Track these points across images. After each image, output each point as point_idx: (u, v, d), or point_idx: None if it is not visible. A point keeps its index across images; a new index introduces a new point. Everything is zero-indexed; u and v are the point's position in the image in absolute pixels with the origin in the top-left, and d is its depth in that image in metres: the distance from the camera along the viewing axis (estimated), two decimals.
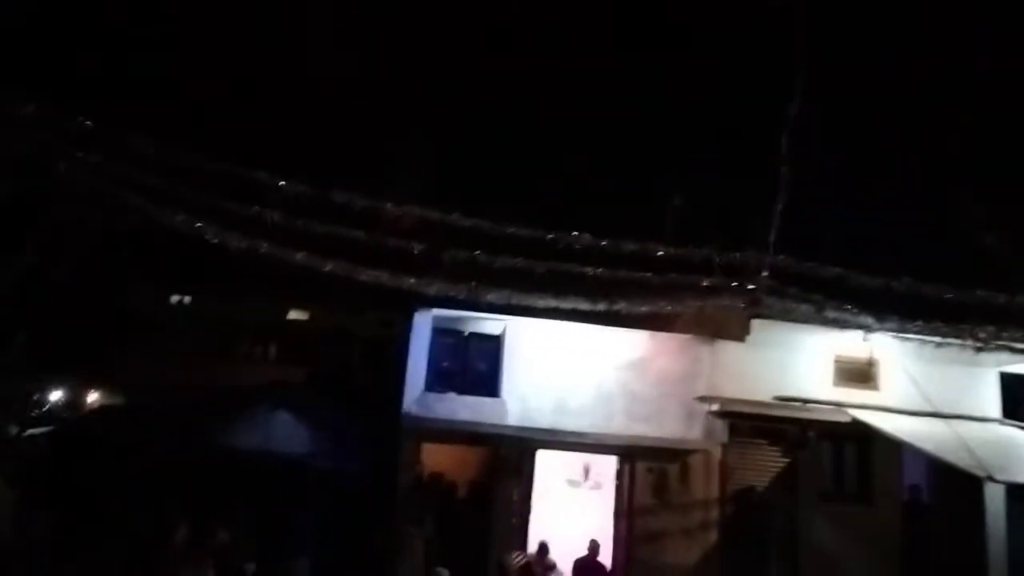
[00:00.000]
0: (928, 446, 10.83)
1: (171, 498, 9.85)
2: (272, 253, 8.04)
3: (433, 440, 11.51)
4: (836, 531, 11.70)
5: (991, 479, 10.16)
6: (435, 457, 11.99)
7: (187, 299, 15.02)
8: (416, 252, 7.40)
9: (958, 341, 8.96)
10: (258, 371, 12.39)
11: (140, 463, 10.12)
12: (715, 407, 11.78)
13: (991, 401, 12.44)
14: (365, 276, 8.22)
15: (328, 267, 8.03)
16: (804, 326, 10.54)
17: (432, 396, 11.41)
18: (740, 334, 11.31)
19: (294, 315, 13.70)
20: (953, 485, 12.00)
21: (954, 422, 11.03)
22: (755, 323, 11.06)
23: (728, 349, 11.82)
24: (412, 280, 7.96)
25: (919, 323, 8.71)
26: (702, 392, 11.86)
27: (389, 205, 7.70)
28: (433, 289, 8.09)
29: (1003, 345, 8.61)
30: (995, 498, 12.01)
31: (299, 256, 8.01)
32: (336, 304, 11.90)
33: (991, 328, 8.47)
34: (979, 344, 8.78)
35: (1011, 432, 12.10)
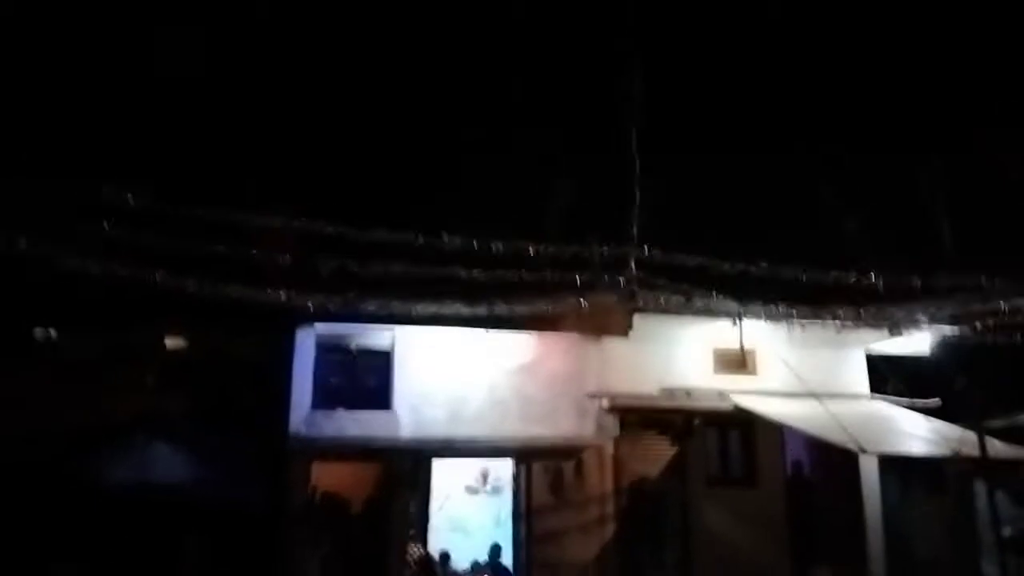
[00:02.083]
0: (804, 425, 11.37)
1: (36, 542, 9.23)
2: (129, 275, 7.67)
3: (324, 459, 11.21)
4: (725, 514, 12.11)
5: (863, 451, 10.75)
6: (327, 476, 11.68)
7: (52, 331, 14.04)
8: (287, 265, 7.18)
9: (819, 322, 9.44)
10: (134, 402, 11.71)
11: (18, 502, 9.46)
12: (605, 403, 12.00)
13: (859, 379, 13.20)
14: (235, 293, 7.93)
15: (192, 286, 7.70)
16: (682, 318, 10.90)
17: (320, 414, 11.12)
18: (623, 330, 11.57)
19: (170, 342, 13.04)
20: (831, 461, 12.66)
21: (827, 401, 11.60)
22: (637, 318, 11.33)
23: (614, 345, 12.07)
24: (286, 295, 7.74)
25: (782, 307, 9.14)
26: (592, 389, 12.06)
27: (254, 217, 7.45)
28: (309, 303, 7.89)
29: (862, 324, 9.12)
30: (869, 469, 12.76)
31: (159, 276, 7.65)
32: (212, 327, 11.42)
33: (850, 308, 8.97)
34: (840, 324, 9.28)
35: (879, 407, 12.88)
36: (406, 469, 11.35)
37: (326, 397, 11.29)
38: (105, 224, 6.89)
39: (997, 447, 11.08)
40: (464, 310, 8.51)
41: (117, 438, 10.54)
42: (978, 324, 9.88)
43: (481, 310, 8.54)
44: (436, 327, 10.71)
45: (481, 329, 10.87)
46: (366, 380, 11.51)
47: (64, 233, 7.40)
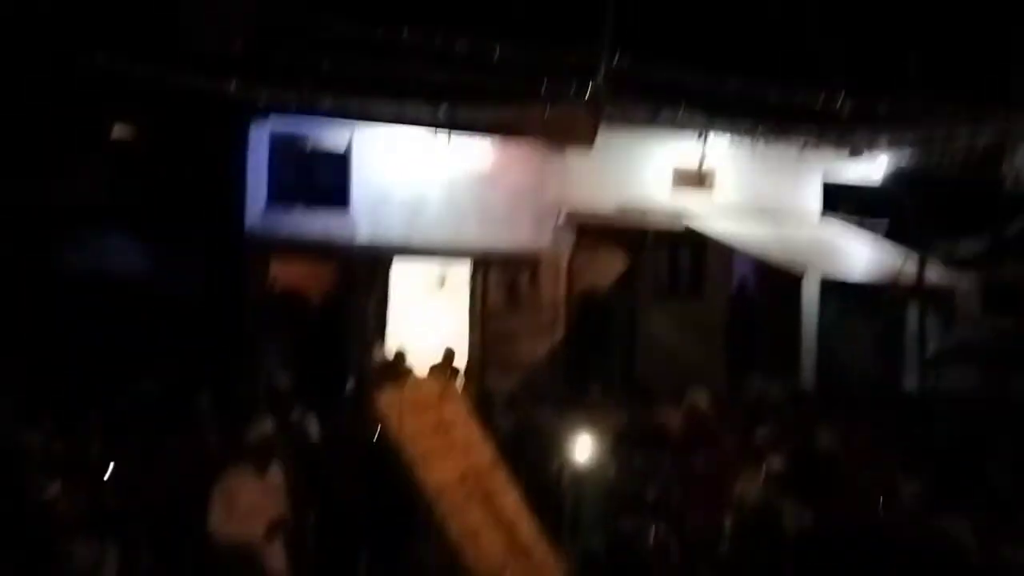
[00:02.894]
0: (754, 245, 11.67)
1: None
2: (75, 58, 7.27)
3: (280, 256, 11.26)
4: (671, 325, 12.64)
5: (805, 273, 11.14)
6: (285, 274, 11.79)
7: None
8: (240, 54, 6.82)
9: (783, 141, 9.41)
10: (87, 191, 11.43)
11: None
12: (563, 215, 12.10)
13: (813, 202, 13.43)
14: (187, 81, 7.58)
15: (143, 71, 7.32)
16: (646, 133, 10.77)
17: (277, 211, 11.04)
18: (586, 142, 11.44)
19: (121, 131, 12.54)
20: (776, 281, 13.14)
21: (780, 222, 11.85)
22: (601, 131, 11.18)
23: (576, 158, 11.98)
24: (238, 85, 7.40)
25: (748, 123, 9.05)
26: (551, 200, 12.10)
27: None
28: (262, 95, 7.57)
29: (824, 145, 9.10)
30: (810, 289, 13.32)
31: (108, 59, 7.25)
32: (165, 116, 10.97)
33: (814, 128, 8.93)
34: (802, 144, 9.25)
35: (829, 229, 13.21)
36: (364, 269, 11.49)
37: (282, 194, 11.14)
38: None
39: (931, 272, 11.57)
40: (424, 111, 8.23)
41: (70, 227, 10.37)
42: (933, 152, 9.98)
43: (442, 112, 8.27)
44: (396, 127, 10.45)
45: (442, 132, 10.63)
46: (323, 179, 11.33)
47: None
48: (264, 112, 10.07)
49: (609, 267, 12.77)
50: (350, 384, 9.40)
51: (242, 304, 10.83)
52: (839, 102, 8.39)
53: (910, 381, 12.56)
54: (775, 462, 5.28)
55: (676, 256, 13.11)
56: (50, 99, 10.98)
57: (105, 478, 5.45)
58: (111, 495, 5.42)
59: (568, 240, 12.29)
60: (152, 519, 5.36)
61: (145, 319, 10.02)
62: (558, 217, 12.10)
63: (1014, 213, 11.33)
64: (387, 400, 4.04)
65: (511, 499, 4.10)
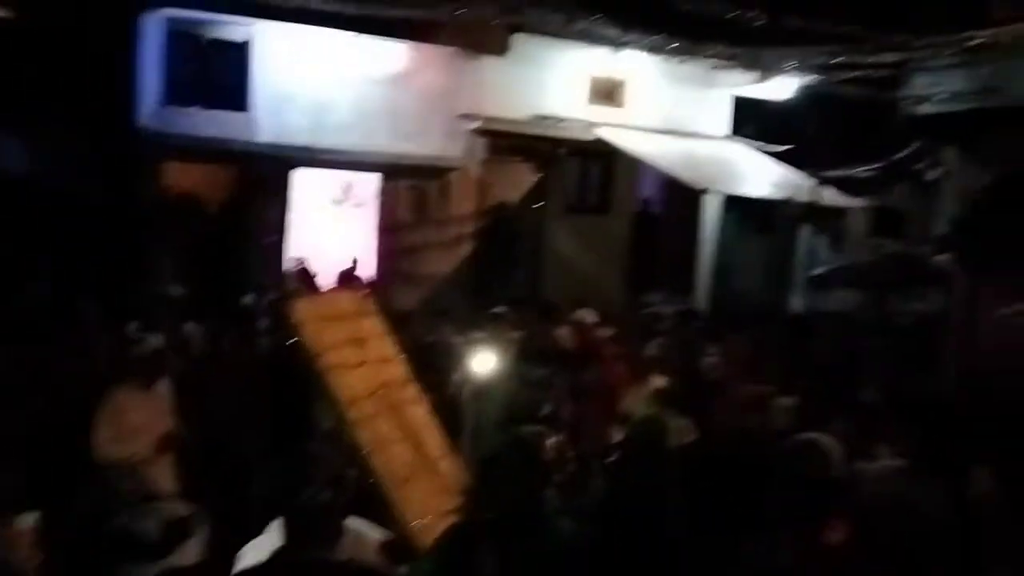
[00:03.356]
0: (660, 161, 11.82)
1: None
2: None
3: (175, 158, 10.71)
4: (577, 239, 12.80)
5: (706, 190, 11.40)
6: (181, 177, 11.24)
7: None
8: None
9: (695, 58, 9.40)
10: None
11: None
12: (475, 125, 11.89)
13: (721, 120, 13.63)
14: None
15: None
16: (563, 43, 10.59)
17: (172, 110, 10.44)
18: (500, 49, 11.17)
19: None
20: (679, 196, 13.40)
21: (686, 139, 12.00)
22: (516, 38, 10.93)
23: (490, 66, 11.70)
24: None
25: (661, 37, 8.99)
26: (464, 109, 11.84)
27: None
28: None
29: (734, 64, 9.15)
30: (710, 207, 13.65)
31: None
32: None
33: (724, 46, 8.96)
34: (712, 62, 9.29)
35: (734, 148, 13.47)
36: (265, 175, 11.08)
37: (178, 93, 10.52)
38: None
39: (827, 195, 12.02)
40: (330, 6, 7.80)
41: None
42: (835, 74, 10.20)
43: (349, 8, 7.85)
44: (300, 24, 9.92)
45: (349, 32, 10.16)
46: (223, 77, 10.72)
47: None
48: (156, 3, 9.37)
49: (520, 179, 12.73)
50: (248, 295, 9.16)
51: (133, 206, 10.31)
52: (751, 20, 8.40)
53: (798, 300, 13.19)
54: (660, 379, 5.51)
55: (586, 170, 13.17)
56: None
57: None
58: None
59: (479, 151, 12.12)
60: (30, 434, 5.16)
61: (28, 219, 9.44)
62: (469, 126, 11.89)
63: (906, 140, 11.79)
64: (303, 310, 3.94)
65: (420, 412, 4.16)
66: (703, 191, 11.29)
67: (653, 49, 9.87)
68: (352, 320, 4.12)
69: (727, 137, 13.59)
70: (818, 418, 4.76)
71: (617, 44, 9.87)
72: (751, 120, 13.37)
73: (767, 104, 13.09)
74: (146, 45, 10.28)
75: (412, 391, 4.23)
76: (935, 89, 8.37)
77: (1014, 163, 7.92)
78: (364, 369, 3.93)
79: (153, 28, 10.22)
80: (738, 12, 8.12)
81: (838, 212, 12.54)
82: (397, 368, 4.22)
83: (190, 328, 7.14)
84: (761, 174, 12.57)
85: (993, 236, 8.07)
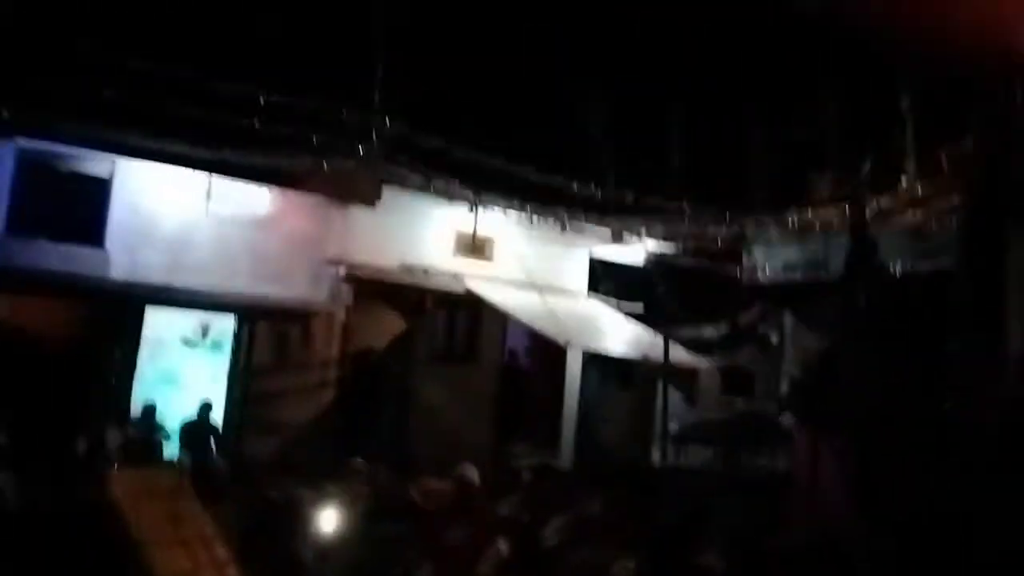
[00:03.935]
0: (524, 315, 12.17)
1: None
2: None
3: (14, 291, 10.03)
4: (444, 388, 12.74)
5: (569, 345, 11.76)
6: (21, 312, 10.50)
7: None
8: None
9: (547, 220, 9.97)
10: None
11: None
12: (342, 271, 11.90)
13: (580, 278, 14.31)
14: None
15: None
16: (428, 197, 10.96)
17: (16, 242, 9.89)
18: (370, 199, 11.41)
19: None
20: (544, 350, 13.75)
21: (549, 295, 12.44)
22: (386, 190, 11.23)
23: (359, 214, 11.87)
24: None
25: (513, 200, 9.54)
26: (331, 255, 11.86)
27: None
28: (3, 110, 6.83)
29: (585, 229, 9.75)
30: (573, 361, 14.04)
31: None
32: None
33: (575, 212, 9.58)
34: (565, 225, 9.89)
35: (592, 306, 14.09)
36: (114, 313, 10.54)
37: (25, 223, 10.02)
38: None
39: (680, 354, 12.65)
40: (186, 150, 7.82)
41: None
42: (681, 244, 11.05)
43: (205, 153, 7.90)
44: (162, 164, 9.81)
45: (214, 174, 10.14)
46: (77, 211, 10.31)
47: None
48: (8, 132, 9.07)
49: (386, 327, 12.69)
50: (82, 445, 8.44)
51: None
52: (597, 191, 9.11)
53: (655, 455, 13.51)
54: (503, 545, 5.40)
55: (453, 320, 13.33)
56: None
57: None
58: None
59: (346, 296, 12.07)
60: None
61: None
62: (336, 272, 11.88)
63: (748, 305, 12.73)
64: (121, 484, 3.76)
65: None
66: (565, 344, 11.62)
67: (508, 208, 10.40)
68: (169, 498, 3.95)
69: (586, 295, 14.22)
70: None
71: (474, 203, 10.34)
72: (607, 279, 14.10)
73: (620, 265, 13.89)
74: None
75: (232, 572, 4.00)
76: (770, 260, 9.19)
77: (839, 330, 8.66)
78: (183, 548, 3.71)
79: (4, 157, 9.82)
80: (578, 184, 8.78)
81: (691, 371, 13.16)
82: (216, 549, 4.01)
83: (6, 477, 6.47)
84: (618, 331, 13.13)
85: (825, 397, 8.66)
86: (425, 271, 12.47)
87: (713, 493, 9.71)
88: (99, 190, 10.43)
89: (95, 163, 10.28)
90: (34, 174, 10.07)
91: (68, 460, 7.58)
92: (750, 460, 11.98)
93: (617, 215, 10.22)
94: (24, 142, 9.69)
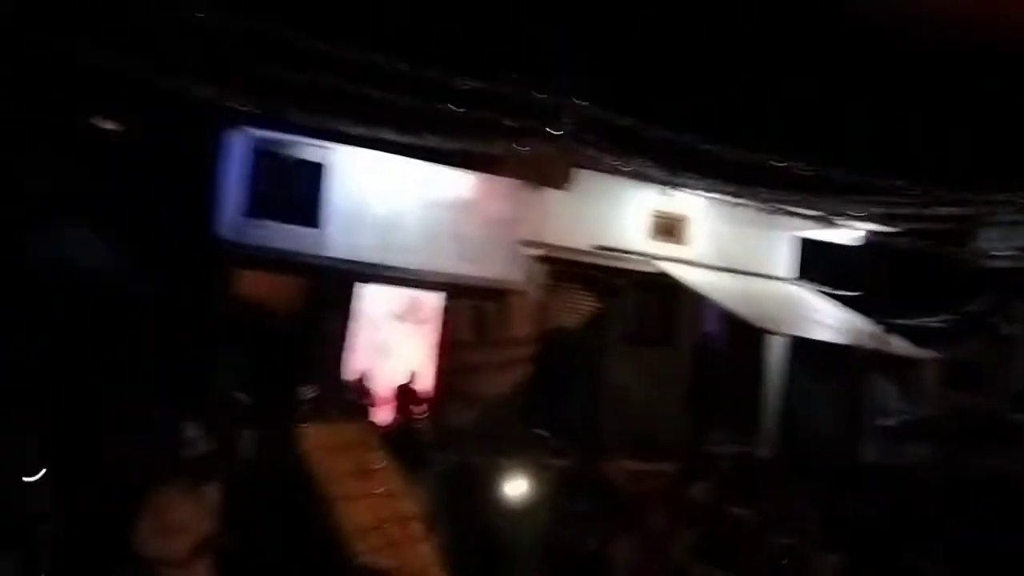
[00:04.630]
0: (722, 299, 11.76)
1: None
2: (68, 49, 7.29)
3: (249, 267, 11.17)
4: (637, 370, 12.64)
5: (769, 331, 11.22)
6: (253, 286, 11.70)
7: None
8: (219, 62, 6.83)
9: (746, 202, 9.51)
10: (61, 182, 11.34)
11: None
12: (537, 252, 12.13)
13: (784, 262, 13.58)
14: (169, 84, 7.58)
15: (128, 68, 7.33)
16: (623, 179, 10.86)
17: (249, 222, 10.99)
18: (563, 183, 11.51)
19: (101, 123, 12.49)
20: (743, 336, 13.22)
21: (749, 279, 11.95)
22: (579, 174, 11.27)
23: (553, 197, 12.03)
24: (217, 91, 7.41)
25: (712, 180, 9.17)
26: (526, 236, 12.14)
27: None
28: (238, 103, 7.57)
29: (785, 209, 9.23)
30: (776, 349, 13.39)
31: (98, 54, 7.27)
32: (144, 115, 10.94)
33: (778, 192, 9.05)
34: (765, 206, 9.39)
35: (800, 292, 13.35)
36: (333, 289, 11.43)
37: (257, 206, 11.09)
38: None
39: (898, 344, 11.69)
40: (394, 136, 8.27)
41: (41, 216, 10.26)
42: (900, 226, 10.16)
43: (411, 139, 8.31)
44: (373, 151, 10.47)
45: (418, 160, 10.67)
46: (299, 194, 11.29)
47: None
48: (246, 123, 10.07)
49: (580, 307, 12.78)
50: (304, 406, 9.27)
51: (206, 313, 10.70)
52: (806, 169, 8.54)
53: (867, 451, 12.60)
54: (690, 533, 5.26)
55: (647, 302, 13.17)
56: (29, 90, 10.94)
57: (33, 480, 5.31)
58: (36, 500, 5.28)
59: (540, 277, 12.31)
60: (78, 527, 5.22)
61: (106, 319, 9.87)
62: (531, 252, 12.14)
63: (975, 293, 11.50)
64: (308, 439, 4.06)
65: (423, 551, 4.08)
66: (767, 331, 11.11)
67: (705, 191, 10.03)
68: (358, 451, 4.18)
69: (791, 279, 13.49)
70: None
71: (670, 185, 10.07)
72: (816, 263, 13.29)
73: (832, 249, 13.02)
74: (232, 160, 10.95)
75: (416, 528, 4.18)
76: (1002, 244, 8.22)
77: None
78: (368, 502, 3.93)
79: (239, 145, 10.92)
80: (787, 163, 8.25)
81: (909, 362, 12.14)
82: (402, 504, 4.20)
83: (247, 435, 7.22)
84: (826, 318, 12.35)
85: None
86: (618, 253, 12.41)
87: (931, 493, 8.92)
88: (317, 175, 11.33)
89: (314, 150, 11.19)
90: (263, 161, 11.12)
91: (291, 421, 8.30)
92: (976, 460, 10.86)
93: (829, 194, 9.55)
94: (255, 132, 10.71)
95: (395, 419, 10.81)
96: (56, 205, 10.63)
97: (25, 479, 5.29)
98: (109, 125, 11.83)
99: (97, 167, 11.52)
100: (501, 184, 11.88)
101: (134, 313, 10.05)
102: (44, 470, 5.70)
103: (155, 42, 7.35)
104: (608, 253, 12.36)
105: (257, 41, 6.96)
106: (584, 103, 7.81)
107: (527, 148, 8.62)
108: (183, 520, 5.16)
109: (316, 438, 3.99)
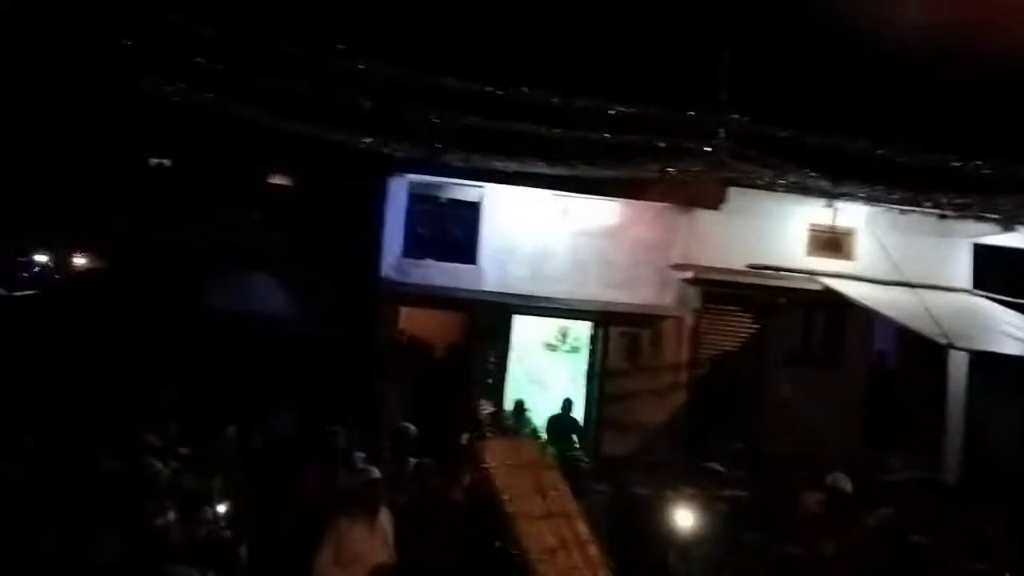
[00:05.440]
0: (895, 314, 11.04)
1: (158, 359, 10.03)
2: (241, 113, 8.01)
3: (411, 305, 11.73)
4: (803, 392, 12.07)
5: (952, 346, 10.41)
6: (414, 322, 12.25)
7: (166, 162, 14.86)
8: (376, 112, 7.28)
9: (920, 208, 8.92)
10: (237, 234, 12.42)
11: (125, 324, 10.27)
12: (689, 274, 11.94)
13: (962, 272, 12.59)
14: (333, 136, 8.16)
15: (293, 126, 7.97)
16: (779, 194, 10.51)
17: (409, 262, 11.55)
18: (715, 202, 11.28)
19: (274, 180, 13.62)
20: (919, 352, 12.33)
21: (923, 292, 11.19)
22: (731, 191, 11.01)
23: (703, 217, 11.82)
24: (375, 140, 7.88)
25: (879, 188, 8.66)
26: (676, 260, 11.99)
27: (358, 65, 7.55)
28: (396, 150, 8.02)
29: (965, 214, 8.58)
30: (958, 365, 12.38)
31: (266, 116, 7.96)
32: (313, 169, 11.82)
33: (954, 196, 8.43)
34: (941, 212, 8.76)
35: (979, 302, 12.31)
36: (488, 321, 11.76)
37: (416, 246, 11.67)
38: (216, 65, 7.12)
39: None
40: (544, 169, 8.45)
41: (221, 268, 11.23)
42: None
43: (561, 170, 8.45)
44: (522, 186, 10.73)
45: (566, 192, 10.83)
46: (454, 233, 11.79)
47: (179, 69, 7.69)
48: (402, 169, 10.63)
49: (737, 329, 12.43)
50: (466, 435, 9.53)
51: (373, 349, 11.29)
52: (981, 168, 7.89)
53: None
54: (870, 562, 4.93)
55: (811, 320, 12.60)
56: (209, 150, 12.08)
57: (221, 510, 5.79)
58: (226, 527, 5.74)
59: (694, 299, 12.09)
60: (262, 554, 5.63)
61: (283, 357, 10.62)
62: (682, 276, 11.96)
63: None
64: (491, 453, 4.14)
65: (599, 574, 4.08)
66: (948, 346, 10.32)
67: (872, 200, 9.48)
68: (536, 470, 4.22)
69: (967, 290, 12.49)
70: None
71: (832, 196, 9.61)
72: (994, 271, 12.23)
73: (1015, 254, 11.94)
74: (392, 204, 11.57)
75: (595, 552, 4.17)
76: None
77: None
78: (549, 522, 3.97)
79: (397, 190, 11.52)
80: (963, 162, 7.66)
81: None
82: (578, 525, 4.20)
83: (414, 463, 7.51)
84: (1012, 330, 11.32)
85: None
86: (776, 271, 11.97)
87: None
88: (471, 214, 11.78)
89: (468, 190, 11.63)
90: (420, 204, 11.71)
91: (454, 449, 8.57)
92: None
93: (1008, 195, 8.78)
94: (412, 177, 11.29)
95: (554, 448, 10.89)
96: (236, 257, 11.64)
97: (220, 508, 5.78)
98: (279, 179, 12.87)
99: (272, 218, 12.54)
100: (651, 208, 11.83)
101: (308, 353, 10.76)
102: (234, 501, 6.22)
103: (314, 96, 7.88)
104: (764, 272, 11.95)
105: (406, 86, 7.35)
106: (736, 116, 7.64)
107: (677, 169, 8.53)
108: (360, 549, 5.48)
109: (498, 453, 4.09)
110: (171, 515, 5.23)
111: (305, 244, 11.73)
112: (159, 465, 6.02)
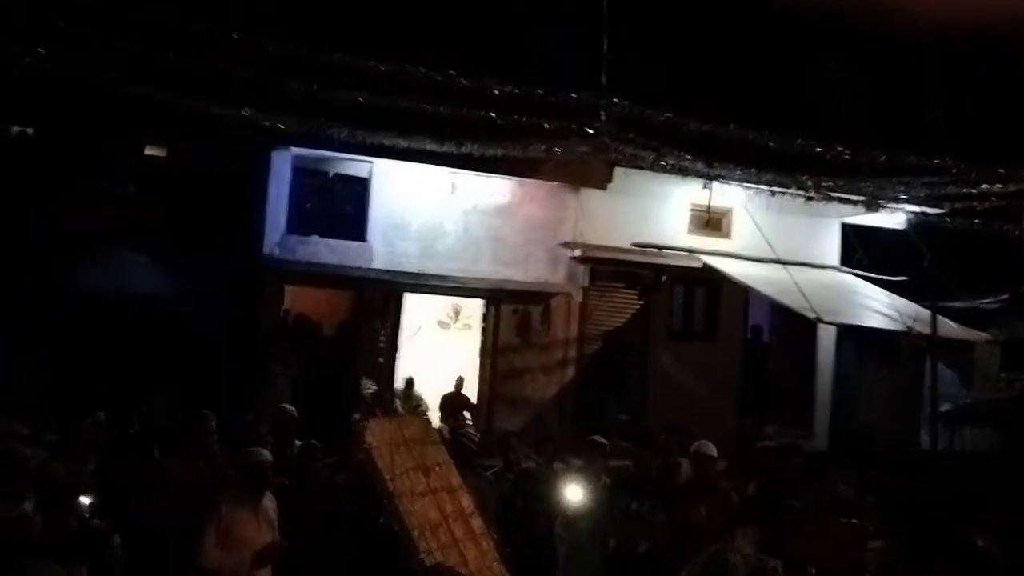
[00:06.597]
0: (769, 290, 11.62)
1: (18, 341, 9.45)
2: (120, 84, 7.58)
3: (296, 283, 11.43)
4: (683, 366, 12.59)
5: (821, 320, 11.06)
6: (300, 301, 11.96)
7: (29, 130, 13.80)
8: (258, 84, 7.02)
9: (788, 190, 9.40)
10: (112, 210, 11.73)
11: None
12: (578, 253, 12.17)
13: (831, 250, 13.38)
14: (210, 108, 7.80)
15: (169, 97, 7.58)
16: (662, 175, 10.82)
17: (294, 238, 11.22)
18: (602, 182, 11.52)
19: (151, 151, 12.89)
20: (790, 326, 13.08)
21: (795, 269, 11.79)
22: (617, 172, 11.25)
23: (592, 197, 12.06)
24: (256, 113, 7.60)
25: (751, 171, 9.08)
26: (566, 238, 12.18)
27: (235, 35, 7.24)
28: (278, 123, 7.76)
29: (831, 195, 9.10)
30: (826, 338, 13.19)
31: (138, 85, 7.53)
32: (190, 141, 11.26)
33: (821, 178, 8.93)
34: (808, 194, 9.27)
35: (846, 279, 13.13)
36: (377, 299, 11.60)
37: (301, 222, 11.33)
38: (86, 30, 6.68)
39: (951, 327, 11.42)
40: (431, 146, 8.39)
41: (94, 245, 10.62)
42: (949, 206, 9.94)
43: (449, 148, 8.42)
44: (412, 162, 10.61)
45: (454, 168, 10.79)
46: (342, 209, 11.51)
47: (47, 37, 7.22)
48: (286, 143, 10.29)
49: (623, 305, 12.77)
50: (355, 415, 9.41)
51: (257, 330, 10.95)
52: (841, 152, 8.41)
53: (920, 438, 12.35)
54: (749, 528, 5.23)
55: (691, 296, 13.10)
56: (80, 123, 11.32)
57: (89, 500, 5.51)
58: (95, 515, 5.46)
59: (582, 277, 12.34)
60: (138, 541, 5.39)
61: (159, 339, 10.17)
62: (571, 254, 12.17)
63: None
64: (372, 433, 4.09)
65: (484, 547, 4.13)
66: (816, 320, 10.96)
67: (745, 182, 9.94)
68: (419, 447, 4.22)
69: (835, 266, 13.29)
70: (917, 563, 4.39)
71: (709, 177, 10.00)
72: (863, 248, 13.04)
73: (881, 231, 12.77)
74: (276, 180, 11.19)
75: (477, 525, 4.21)
76: None
77: None
78: (432, 498, 3.98)
79: (281, 163, 11.16)
80: (827, 148, 8.14)
81: (961, 344, 11.85)
82: (462, 500, 4.24)
83: (298, 445, 7.35)
84: (876, 304, 12.12)
85: None
86: (659, 249, 12.36)
87: (992, 478, 8.71)
88: (360, 189, 11.54)
89: (355, 165, 11.38)
90: (306, 178, 11.37)
91: (343, 430, 8.45)
92: None
93: (871, 178, 9.38)
94: (297, 150, 10.94)
95: (442, 425, 10.92)
96: (106, 232, 11.00)
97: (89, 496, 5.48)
98: (156, 151, 12.21)
99: (147, 193, 11.90)
100: (540, 187, 11.94)
101: (187, 334, 10.34)
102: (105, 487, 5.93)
103: (197, 68, 7.54)
104: (648, 250, 12.32)
105: (292, 59, 7.12)
106: (619, 100, 7.79)
107: (564, 150, 8.64)
108: (244, 532, 5.34)
109: (380, 432, 4.04)
110: (27, 505, 4.89)
111: (183, 219, 11.18)
112: (27, 452, 5.66)
